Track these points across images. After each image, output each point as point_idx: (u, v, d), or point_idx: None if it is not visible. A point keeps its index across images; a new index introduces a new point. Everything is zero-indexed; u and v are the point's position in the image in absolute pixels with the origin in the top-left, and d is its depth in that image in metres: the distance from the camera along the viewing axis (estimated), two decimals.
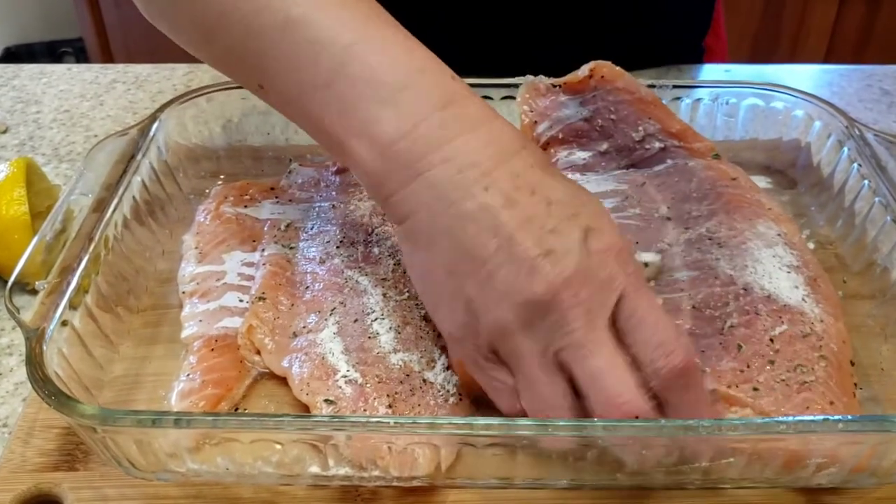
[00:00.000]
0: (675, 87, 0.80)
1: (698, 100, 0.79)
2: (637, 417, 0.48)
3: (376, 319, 0.59)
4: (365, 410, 0.53)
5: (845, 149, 0.73)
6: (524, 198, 0.50)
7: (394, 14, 0.56)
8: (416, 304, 0.59)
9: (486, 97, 0.79)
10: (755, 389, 0.54)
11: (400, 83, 0.52)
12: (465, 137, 0.51)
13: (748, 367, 0.56)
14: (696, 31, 1.04)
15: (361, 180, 0.54)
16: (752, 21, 2.11)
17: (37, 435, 0.57)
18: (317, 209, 0.71)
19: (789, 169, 0.79)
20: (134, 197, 0.68)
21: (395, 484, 0.53)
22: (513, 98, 0.78)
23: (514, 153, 0.51)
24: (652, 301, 0.50)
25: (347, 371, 0.56)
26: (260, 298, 0.62)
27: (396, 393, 0.54)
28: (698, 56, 1.04)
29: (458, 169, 0.50)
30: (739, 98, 0.79)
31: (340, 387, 0.55)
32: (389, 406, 0.54)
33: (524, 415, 0.51)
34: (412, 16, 0.58)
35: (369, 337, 0.58)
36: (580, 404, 0.50)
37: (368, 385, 0.55)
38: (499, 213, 0.49)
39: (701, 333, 0.58)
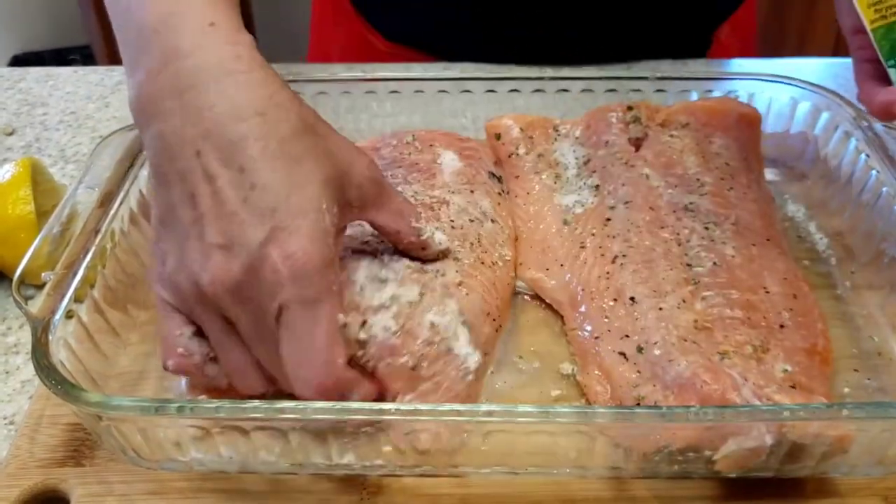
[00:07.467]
0: (683, 79, 0.79)
1: (708, 92, 0.79)
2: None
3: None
4: (389, 364, 0.53)
5: (853, 139, 0.72)
6: (228, 174, 0.48)
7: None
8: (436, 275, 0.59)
9: (490, 91, 0.78)
10: None
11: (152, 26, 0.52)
12: (198, 91, 0.50)
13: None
14: (706, 22, 1.03)
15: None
16: (760, 15, 2.09)
17: (43, 431, 0.57)
18: None
19: (797, 161, 0.79)
20: (141, 191, 0.68)
21: (398, 473, 0.53)
22: (543, 91, 0.78)
23: (245, 118, 0.49)
24: (316, 321, 0.49)
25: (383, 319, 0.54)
26: None
27: (422, 354, 0.54)
28: (702, 48, 1.03)
29: (182, 123, 0.49)
30: (747, 91, 0.78)
31: (374, 333, 0.54)
32: (413, 367, 0.53)
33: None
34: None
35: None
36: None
37: (399, 336, 0.54)
38: (198, 185, 0.49)
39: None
